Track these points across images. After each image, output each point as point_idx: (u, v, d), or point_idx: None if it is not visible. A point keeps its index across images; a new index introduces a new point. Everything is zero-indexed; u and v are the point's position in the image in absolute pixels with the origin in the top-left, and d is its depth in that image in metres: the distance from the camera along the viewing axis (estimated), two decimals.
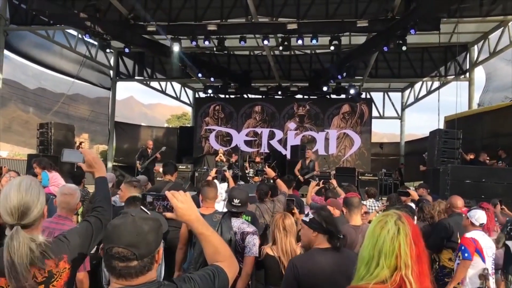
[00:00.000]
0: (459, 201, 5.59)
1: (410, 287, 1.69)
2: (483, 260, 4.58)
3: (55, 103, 17.73)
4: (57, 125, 13.69)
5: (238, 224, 4.02)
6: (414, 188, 9.81)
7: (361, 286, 1.74)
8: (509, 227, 5.22)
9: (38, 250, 2.00)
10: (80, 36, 17.35)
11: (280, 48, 14.43)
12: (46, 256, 2.03)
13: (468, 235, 4.67)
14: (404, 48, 12.77)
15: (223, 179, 6.82)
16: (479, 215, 4.74)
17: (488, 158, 12.35)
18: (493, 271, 4.70)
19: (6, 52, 15.37)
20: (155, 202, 2.05)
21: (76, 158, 2.59)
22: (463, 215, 5.01)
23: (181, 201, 1.90)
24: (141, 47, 16.80)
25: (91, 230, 2.34)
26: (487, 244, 4.66)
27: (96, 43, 16.42)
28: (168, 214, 1.95)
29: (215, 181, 5.99)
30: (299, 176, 13.10)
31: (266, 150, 19.53)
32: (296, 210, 5.71)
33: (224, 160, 15.45)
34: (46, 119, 14.94)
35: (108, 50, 16.40)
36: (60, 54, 17.83)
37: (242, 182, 12.92)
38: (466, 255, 4.48)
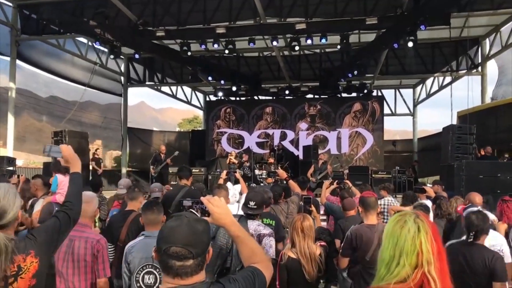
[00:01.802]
0: (477, 197, 5.51)
1: (434, 284, 1.68)
2: None
3: (68, 111, 17.91)
4: (71, 133, 13.83)
5: (254, 226, 4.02)
6: (430, 186, 9.71)
7: (382, 286, 1.73)
8: None
9: (11, 247, 2.25)
10: (90, 43, 17.52)
11: (289, 48, 14.42)
12: (14, 253, 2.28)
13: None
14: (410, 44, 12.65)
15: (237, 181, 6.82)
16: None
17: (491, 151, 12.19)
18: None
19: (18, 61, 15.57)
20: (194, 205, 2.20)
21: (57, 153, 2.88)
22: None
23: (217, 206, 2.02)
24: (150, 53, 16.91)
25: (58, 224, 2.58)
26: (492, 242, 4.52)
27: (106, 50, 16.56)
28: (206, 219, 2.01)
29: (229, 183, 6.00)
30: (312, 179, 13.09)
31: (278, 142, 19.46)
32: (313, 208, 5.70)
33: (236, 162, 15.46)
34: (59, 127, 15.10)
35: (119, 57, 16.56)
36: (71, 62, 18.02)
37: (254, 184, 12.92)
38: None
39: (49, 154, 2.94)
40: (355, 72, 17.23)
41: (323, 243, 4.11)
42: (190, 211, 2.17)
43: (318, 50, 19.01)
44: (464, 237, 3.95)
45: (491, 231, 4.72)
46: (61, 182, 6.56)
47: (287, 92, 20.18)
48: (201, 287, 1.73)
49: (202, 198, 2.07)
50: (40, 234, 2.52)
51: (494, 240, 4.57)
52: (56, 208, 5.34)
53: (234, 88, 19.51)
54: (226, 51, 15.00)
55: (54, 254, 2.75)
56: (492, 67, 17.52)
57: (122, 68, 20.63)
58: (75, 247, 3.55)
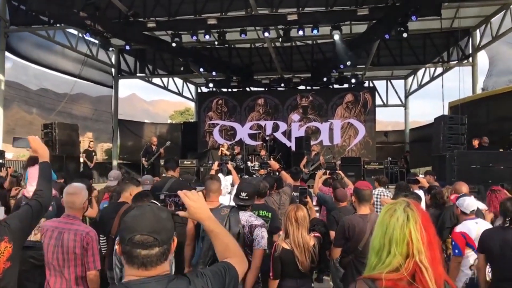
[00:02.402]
0: (464, 187, 5.54)
1: (426, 272, 1.68)
2: (475, 251, 4.52)
3: (58, 103, 17.76)
4: (61, 125, 13.71)
5: (246, 217, 4.00)
6: (422, 176, 9.76)
7: (374, 276, 1.72)
8: None
9: None
10: (80, 35, 17.35)
11: (281, 39, 14.36)
12: None
13: (458, 228, 4.57)
14: (405, 35, 12.70)
15: (229, 173, 6.78)
16: (467, 203, 4.64)
17: (487, 141, 12.28)
18: None
19: (7, 53, 15.39)
20: (167, 199, 2.11)
21: (25, 144, 3.05)
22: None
23: (193, 200, 1.99)
24: (141, 44, 16.80)
25: (30, 212, 2.83)
26: (481, 232, 4.57)
27: (96, 41, 16.41)
28: (181, 213, 2.02)
29: (220, 174, 5.97)
30: (304, 170, 13.10)
31: (269, 133, 19.49)
32: (309, 199, 5.69)
33: (228, 153, 15.43)
34: (50, 120, 14.95)
35: (109, 48, 16.40)
36: (61, 54, 17.83)
37: (246, 176, 12.90)
38: (456, 251, 4.42)
39: (17, 146, 3.13)
40: (347, 63, 17.24)
41: (317, 234, 4.10)
42: (162, 204, 2.12)
43: (310, 42, 18.97)
44: (499, 223, 4.32)
45: (482, 221, 4.76)
46: (29, 174, 6.48)
47: (280, 83, 20.15)
48: (163, 280, 1.65)
49: (179, 192, 2.02)
50: (14, 221, 2.79)
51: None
52: (23, 202, 5.33)
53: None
54: (217, 43, 14.93)
55: (26, 239, 3.00)
56: (482, 57, 17.60)
57: (113, 60, 20.46)
58: (64, 239, 3.54)
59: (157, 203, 2.24)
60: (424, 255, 1.70)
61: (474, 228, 4.56)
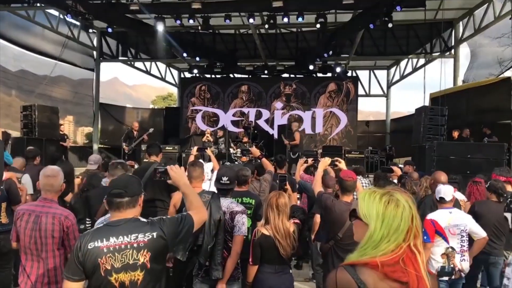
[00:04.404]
0: (442, 176, 5.63)
1: (419, 256, 1.70)
2: (445, 239, 4.61)
3: (38, 85, 17.44)
4: (41, 108, 13.46)
5: (227, 203, 4.01)
6: (402, 166, 9.89)
7: (365, 260, 1.69)
8: (509, 199, 5.26)
9: None
10: (61, 16, 16.97)
11: (266, 26, 14.28)
12: None
13: (429, 216, 4.67)
14: (390, 25, 12.74)
15: (210, 159, 6.74)
16: (443, 191, 4.73)
17: (468, 133, 12.49)
18: (465, 248, 4.71)
19: None
20: (157, 170, 3.02)
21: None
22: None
23: (174, 171, 2.91)
24: (124, 27, 16.52)
25: None
26: (454, 222, 4.64)
27: (78, 23, 16.09)
28: (169, 181, 2.93)
29: (201, 160, 5.95)
30: (285, 141, 13.43)
31: (249, 120, 19.57)
32: (288, 186, 5.72)
33: (212, 140, 15.39)
34: (29, 102, 14.65)
35: (90, 30, 16.10)
36: (41, 35, 17.42)
37: (228, 163, 12.90)
38: (425, 238, 4.50)
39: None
40: (331, 52, 17.26)
41: (297, 221, 4.13)
42: (157, 176, 2.99)
43: (294, 29, 18.92)
44: None
45: (457, 211, 4.85)
46: None
47: (263, 71, 20.10)
48: (131, 220, 2.52)
49: (167, 167, 2.93)
50: None
51: (458, 220, 4.69)
52: None
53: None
54: (200, 28, 14.74)
55: None
56: (464, 50, 17.78)
57: (95, 42, 20.10)
58: (42, 223, 3.50)
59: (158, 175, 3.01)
60: (419, 240, 1.71)
61: (446, 217, 4.64)
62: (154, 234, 2.49)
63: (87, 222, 4.48)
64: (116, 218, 2.50)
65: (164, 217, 2.67)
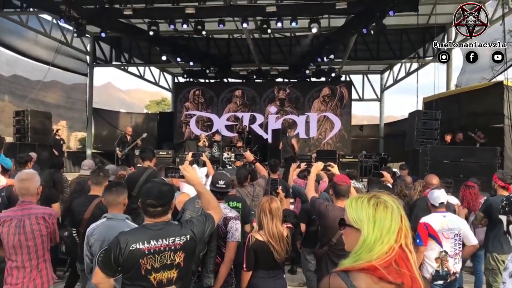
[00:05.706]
0: (434, 180, 5.62)
1: (411, 256, 1.68)
2: (439, 243, 4.60)
3: (31, 90, 17.35)
4: (33, 113, 13.39)
5: (221, 208, 3.99)
6: (396, 170, 9.91)
7: (360, 265, 1.67)
8: (504, 202, 5.25)
9: None
10: (55, 21, 16.92)
11: (260, 31, 14.28)
12: None
13: (422, 219, 4.66)
14: (384, 29, 12.79)
15: (204, 165, 6.70)
16: (436, 195, 4.71)
17: (461, 137, 12.53)
18: (458, 251, 4.71)
19: None
20: (169, 174, 3.33)
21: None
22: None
23: (188, 171, 3.12)
24: (117, 32, 16.48)
25: None
26: (448, 225, 4.63)
27: (71, 28, 16.04)
28: (181, 180, 3.35)
29: (195, 165, 5.92)
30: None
31: (243, 125, 19.57)
32: (280, 190, 5.70)
33: (207, 144, 15.33)
34: (22, 107, 14.58)
35: (84, 35, 16.02)
36: (34, 40, 17.37)
37: (221, 168, 12.86)
38: (418, 241, 4.50)
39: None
40: (324, 57, 17.30)
41: (289, 225, 4.11)
42: (169, 175, 3.32)
43: (288, 34, 18.96)
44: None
45: (451, 215, 4.84)
46: None
47: (257, 75, 20.11)
48: (167, 225, 2.76)
49: (180, 166, 3.18)
50: None
51: (452, 224, 4.69)
52: None
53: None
54: (194, 33, 14.73)
55: None
56: (457, 54, 17.86)
57: (88, 47, 20.06)
58: (26, 225, 3.49)
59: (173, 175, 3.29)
60: (409, 240, 1.70)
61: (440, 220, 4.63)
62: (188, 236, 2.77)
63: (73, 232, 4.44)
64: (151, 222, 2.75)
65: (192, 218, 3.01)
